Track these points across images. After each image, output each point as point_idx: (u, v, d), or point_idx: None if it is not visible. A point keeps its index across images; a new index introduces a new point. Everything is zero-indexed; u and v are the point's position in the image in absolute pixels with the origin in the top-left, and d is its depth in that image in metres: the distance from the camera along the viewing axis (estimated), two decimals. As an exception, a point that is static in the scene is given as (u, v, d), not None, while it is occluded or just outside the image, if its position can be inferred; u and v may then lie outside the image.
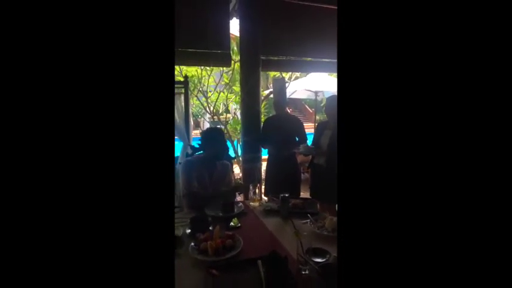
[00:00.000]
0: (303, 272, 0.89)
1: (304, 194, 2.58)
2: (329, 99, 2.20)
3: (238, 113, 4.64)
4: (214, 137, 1.66)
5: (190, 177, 1.59)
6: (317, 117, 5.26)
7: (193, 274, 0.92)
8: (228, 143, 3.66)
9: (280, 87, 2.34)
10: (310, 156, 2.14)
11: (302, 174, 2.52)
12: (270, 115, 2.64)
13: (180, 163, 2.04)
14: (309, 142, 2.22)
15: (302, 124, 2.30)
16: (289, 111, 2.48)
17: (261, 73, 2.74)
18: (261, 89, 2.87)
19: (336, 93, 2.22)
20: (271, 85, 5.81)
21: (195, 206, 1.48)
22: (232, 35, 3.35)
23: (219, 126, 4.12)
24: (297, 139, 2.21)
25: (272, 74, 4.01)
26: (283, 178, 2.09)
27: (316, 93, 4.42)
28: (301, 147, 2.02)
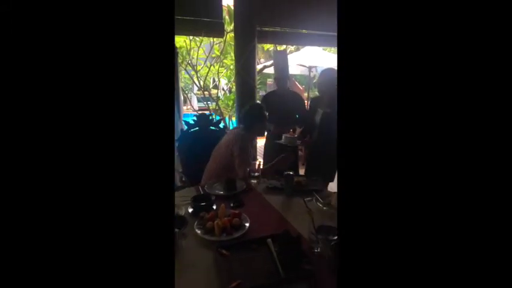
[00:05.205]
0: (315, 250, 0.88)
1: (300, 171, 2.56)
2: (322, 73, 2.08)
3: (227, 88, 4.47)
4: (260, 114, 1.70)
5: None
6: (307, 95, 5.17)
7: (202, 254, 0.89)
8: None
9: (282, 60, 2.19)
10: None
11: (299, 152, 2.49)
12: (270, 90, 2.51)
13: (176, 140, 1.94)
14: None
15: (304, 101, 2.23)
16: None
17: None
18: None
19: (329, 67, 2.17)
20: (261, 60, 5.58)
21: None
22: (224, 6, 3.10)
23: (209, 102, 3.97)
24: (297, 116, 2.14)
25: (266, 47, 3.82)
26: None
27: (309, 68, 4.31)
28: (284, 138, 1.88)
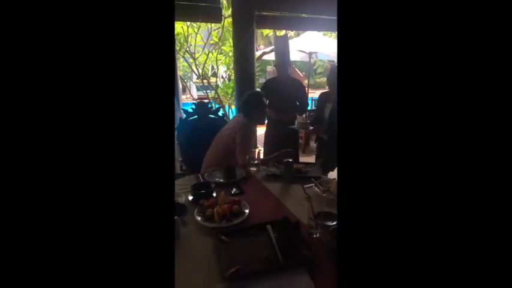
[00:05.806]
0: (314, 236, 0.89)
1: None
2: (333, 71, 2.07)
3: (227, 76, 4.40)
4: (259, 101, 1.67)
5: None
6: (307, 82, 5.09)
7: (202, 241, 0.90)
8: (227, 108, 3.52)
9: (283, 46, 2.15)
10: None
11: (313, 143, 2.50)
12: (270, 77, 2.49)
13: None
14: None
15: (304, 88, 2.20)
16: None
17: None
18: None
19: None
20: (260, 46, 5.45)
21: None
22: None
23: (208, 90, 3.92)
24: (298, 103, 2.13)
25: (265, 32, 3.72)
26: (282, 143, 2.04)
27: (310, 54, 4.22)
28: (297, 123, 1.93)
